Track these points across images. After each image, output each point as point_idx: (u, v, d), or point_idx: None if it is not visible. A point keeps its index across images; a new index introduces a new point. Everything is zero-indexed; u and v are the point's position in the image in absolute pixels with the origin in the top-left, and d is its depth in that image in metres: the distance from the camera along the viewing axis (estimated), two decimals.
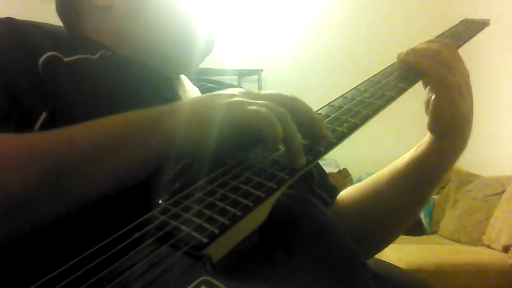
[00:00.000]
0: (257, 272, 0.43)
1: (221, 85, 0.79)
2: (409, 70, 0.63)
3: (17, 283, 0.36)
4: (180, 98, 0.64)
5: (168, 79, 0.66)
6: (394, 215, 0.72)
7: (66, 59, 0.56)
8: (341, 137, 0.48)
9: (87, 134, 0.43)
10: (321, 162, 0.75)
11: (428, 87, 0.66)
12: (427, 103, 0.66)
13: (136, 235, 0.36)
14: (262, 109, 0.42)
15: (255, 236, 0.41)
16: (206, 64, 0.76)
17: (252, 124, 0.42)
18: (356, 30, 3.64)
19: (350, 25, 3.64)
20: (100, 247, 0.35)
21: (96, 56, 0.60)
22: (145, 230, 0.37)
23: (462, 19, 0.80)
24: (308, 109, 0.46)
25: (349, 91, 0.58)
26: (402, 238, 0.78)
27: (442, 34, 0.74)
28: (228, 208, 0.38)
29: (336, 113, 0.52)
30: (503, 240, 2.41)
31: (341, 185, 2.82)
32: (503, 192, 2.67)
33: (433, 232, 3.07)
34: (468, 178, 3.02)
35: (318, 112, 0.53)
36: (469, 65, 0.66)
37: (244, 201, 0.39)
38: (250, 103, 0.43)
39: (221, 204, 0.39)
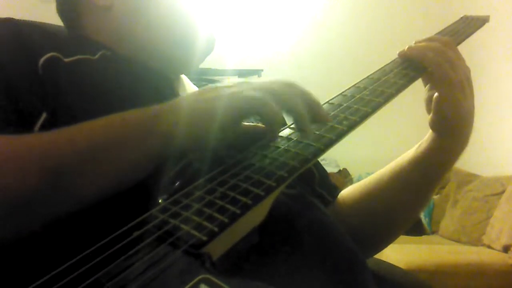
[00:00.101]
0: (257, 270, 0.43)
1: None
2: (409, 67, 0.63)
3: (17, 282, 0.36)
4: None
5: (168, 79, 0.66)
6: (395, 214, 0.71)
7: (66, 60, 0.56)
8: (341, 135, 0.48)
9: (86, 134, 0.43)
10: (321, 162, 0.75)
11: (428, 85, 0.66)
12: (428, 101, 0.66)
13: (136, 233, 0.36)
14: (256, 93, 0.44)
15: (255, 235, 0.41)
16: (206, 64, 0.76)
17: (249, 109, 0.44)
18: (356, 29, 3.64)
19: (350, 25, 3.64)
20: (99, 246, 0.35)
21: (96, 56, 0.60)
22: (145, 229, 0.37)
23: (462, 15, 0.80)
24: (306, 92, 0.47)
25: (348, 88, 0.58)
26: (402, 238, 0.78)
27: (442, 31, 0.74)
28: (228, 206, 0.38)
29: (336, 111, 0.52)
30: (503, 240, 2.41)
31: (341, 185, 2.82)
32: (503, 192, 2.67)
33: (433, 232, 3.07)
34: (468, 178, 3.02)
35: None
36: (469, 64, 0.66)
37: (244, 199, 0.39)
38: (244, 91, 0.44)
39: (220, 203, 0.39)
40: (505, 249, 2.37)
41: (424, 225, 3.07)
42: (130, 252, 0.35)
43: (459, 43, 0.70)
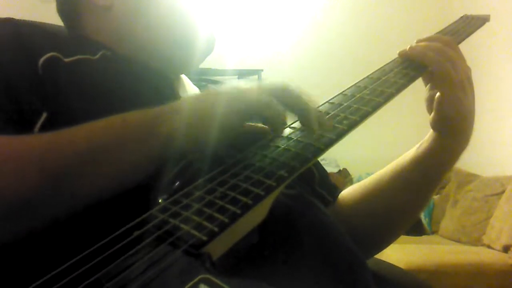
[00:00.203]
0: (257, 270, 0.43)
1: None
2: (409, 67, 0.63)
3: (17, 282, 0.36)
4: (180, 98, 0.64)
5: (168, 79, 0.66)
6: (395, 215, 0.71)
7: (66, 60, 0.56)
8: (341, 134, 0.48)
9: (86, 135, 0.43)
10: (321, 162, 0.75)
11: (429, 85, 0.66)
12: (429, 101, 0.66)
13: (136, 233, 0.36)
14: (259, 95, 0.45)
15: (255, 235, 0.41)
16: (206, 64, 0.76)
17: (252, 111, 0.44)
18: (356, 29, 3.64)
19: (350, 25, 3.64)
20: (100, 246, 0.35)
21: (96, 56, 0.60)
22: (145, 229, 0.37)
23: (462, 15, 0.80)
24: (300, 96, 0.47)
25: (348, 88, 0.58)
26: (402, 238, 0.78)
27: (442, 30, 0.74)
28: (228, 206, 0.38)
29: (336, 110, 0.52)
30: (503, 240, 2.41)
31: (341, 185, 2.82)
32: (503, 192, 2.67)
33: (433, 232, 3.07)
34: (468, 178, 3.02)
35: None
36: (469, 64, 0.66)
37: (244, 199, 0.39)
38: (246, 93, 0.45)
39: (220, 203, 0.39)
40: (505, 249, 2.37)
41: (424, 225, 3.07)
42: (130, 252, 0.35)
43: (459, 43, 0.70)
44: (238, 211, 0.38)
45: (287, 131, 0.49)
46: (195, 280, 0.32)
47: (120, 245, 0.35)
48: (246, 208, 0.38)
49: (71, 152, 0.42)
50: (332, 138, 0.47)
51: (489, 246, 2.53)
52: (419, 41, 0.67)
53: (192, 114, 0.45)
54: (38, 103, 0.51)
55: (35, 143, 0.43)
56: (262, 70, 3.42)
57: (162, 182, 0.43)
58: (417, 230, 2.97)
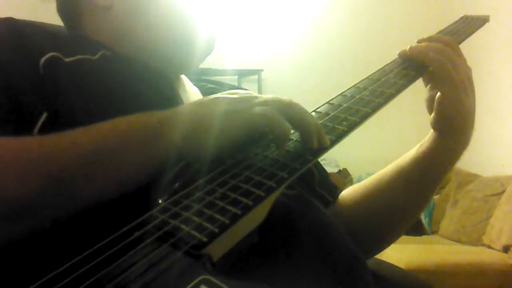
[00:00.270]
0: (257, 271, 0.43)
1: (221, 86, 0.79)
2: (409, 67, 0.63)
3: (18, 282, 0.36)
4: (181, 98, 0.64)
5: (168, 79, 0.66)
6: (396, 215, 0.71)
7: (66, 60, 0.56)
8: (341, 135, 0.48)
9: (89, 138, 0.44)
10: (321, 162, 0.75)
11: (430, 85, 0.66)
12: (430, 101, 0.66)
13: (136, 234, 0.36)
14: (264, 109, 0.44)
15: (255, 236, 0.41)
16: (206, 64, 0.76)
17: (258, 125, 0.44)
18: (356, 29, 3.64)
19: (350, 25, 3.64)
20: (100, 246, 0.35)
21: (97, 56, 0.60)
22: (145, 230, 0.37)
23: (462, 15, 0.80)
24: (305, 113, 0.47)
25: (348, 89, 0.58)
26: (402, 238, 0.78)
27: (442, 30, 0.74)
28: (228, 207, 0.38)
29: (336, 111, 0.52)
30: (503, 240, 2.41)
31: (341, 185, 2.82)
32: (503, 192, 2.67)
33: (433, 232, 3.07)
34: (468, 178, 3.02)
35: (318, 110, 0.53)
36: (469, 64, 0.66)
37: (244, 200, 0.39)
38: (252, 107, 0.44)
39: (221, 203, 0.39)
40: (505, 249, 2.36)
41: (424, 225, 3.07)
42: (131, 253, 0.35)
43: (459, 43, 0.70)
44: (239, 212, 0.38)
45: None
46: (196, 281, 0.32)
47: (120, 245, 0.35)
48: (246, 209, 0.38)
49: (74, 155, 0.42)
50: (332, 139, 0.47)
51: (489, 246, 2.53)
52: (419, 41, 0.67)
53: (192, 122, 0.45)
54: (38, 103, 0.51)
55: (36, 146, 0.43)
56: (262, 70, 3.42)
57: (162, 182, 0.43)
58: (417, 230, 2.97)
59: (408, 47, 0.65)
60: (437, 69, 0.62)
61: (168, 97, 0.62)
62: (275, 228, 0.46)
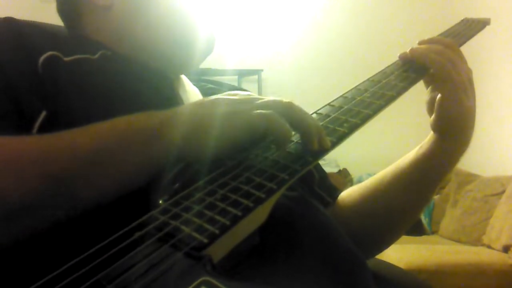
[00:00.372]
0: (258, 272, 0.43)
1: (221, 86, 0.79)
2: (410, 70, 0.63)
3: (18, 283, 0.36)
4: (180, 98, 0.64)
5: (168, 79, 0.66)
6: (395, 216, 0.71)
7: (66, 59, 0.56)
8: (342, 137, 0.48)
9: (88, 138, 0.43)
10: (321, 162, 0.75)
11: (431, 87, 0.66)
12: (430, 103, 0.66)
13: (137, 235, 0.36)
14: (265, 111, 0.44)
15: (256, 237, 0.41)
16: (206, 64, 0.76)
17: (259, 127, 0.43)
18: (356, 30, 3.64)
19: (350, 25, 3.64)
20: (100, 247, 0.35)
21: (96, 56, 0.60)
22: (145, 231, 0.37)
23: (462, 18, 0.80)
24: (306, 114, 0.47)
25: (349, 90, 0.58)
26: (402, 238, 0.78)
27: (442, 33, 0.74)
28: (229, 208, 0.38)
29: (337, 113, 0.52)
30: (503, 240, 2.41)
31: (341, 185, 2.82)
32: (503, 192, 2.67)
33: (433, 232, 3.07)
34: (468, 178, 3.02)
35: (318, 112, 0.53)
36: (470, 65, 0.66)
37: (245, 201, 0.39)
38: (252, 108, 0.44)
39: (221, 205, 0.39)
40: (505, 249, 2.36)
41: (424, 225, 3.07)
42: (131, 254, 0.35)
43: (460, 46, 0.70)
44: (239, 214, 0.38)
45: None
46: (196, 282, 0.32)
47: (120, 246, 0.35)
48: (247, 210, 0.38)
49: (73, 155, 0.42)
50: (333, 141, 0.47)
51: (489, 246, 2.53)
52: (420, 43, 0.67)
53: (192, 123, 0.44)
54: (37, 102, 0.51)
55: (36, 146, 0.43)
56: (262, 70, 3.42)
57: (162, 183, 0.43)
58: (417, 230, 2.97)
59: (409, 49, 0.65)
60: (438, 70, 0.62)
61: (168, 97, 0.62)
62: (275, 229, 0.46)
